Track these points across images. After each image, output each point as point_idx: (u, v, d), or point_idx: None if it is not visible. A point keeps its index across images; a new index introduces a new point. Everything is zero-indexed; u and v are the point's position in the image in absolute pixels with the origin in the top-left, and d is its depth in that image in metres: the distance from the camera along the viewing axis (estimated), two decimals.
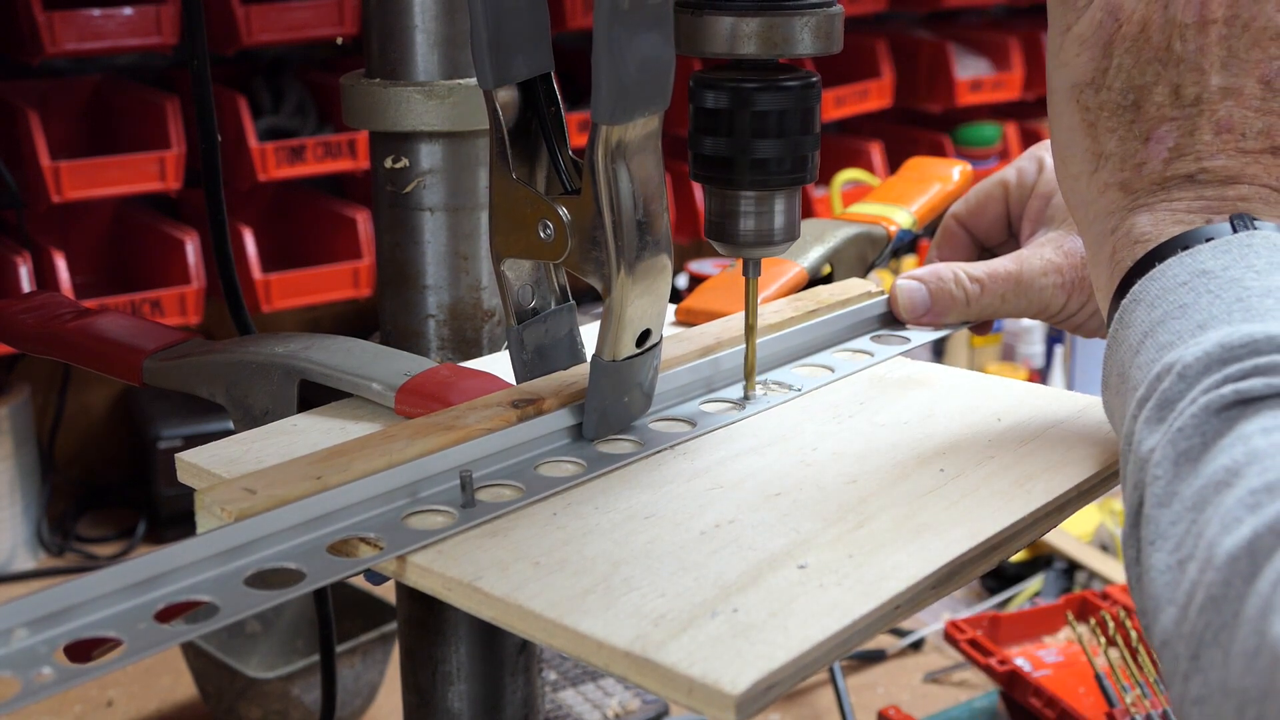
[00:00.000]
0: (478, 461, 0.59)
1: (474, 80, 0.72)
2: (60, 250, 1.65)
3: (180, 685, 1.44)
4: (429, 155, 0.74)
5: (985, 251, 0.86)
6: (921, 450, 0.64)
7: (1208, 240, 0.54)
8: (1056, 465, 0.62)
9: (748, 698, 0.45)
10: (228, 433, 0.66)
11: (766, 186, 0.65)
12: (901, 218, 0.92)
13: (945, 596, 0.55)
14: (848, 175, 1.97)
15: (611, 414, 0.64)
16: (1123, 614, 1.25)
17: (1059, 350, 2.05)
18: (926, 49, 2.33)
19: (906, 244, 0.98)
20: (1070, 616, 1.27)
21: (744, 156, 0.64)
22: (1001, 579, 1.57)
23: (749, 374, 0.69)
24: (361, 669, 1.31)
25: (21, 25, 1.60)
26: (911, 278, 0.78)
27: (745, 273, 0.68)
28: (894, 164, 2.07)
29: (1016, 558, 1.56)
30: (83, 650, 0.47)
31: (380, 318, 0.79)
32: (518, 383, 0.67)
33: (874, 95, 2.20)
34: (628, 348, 0.62)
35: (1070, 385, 2.01)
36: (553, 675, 1.40)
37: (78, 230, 1.84)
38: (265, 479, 0.55)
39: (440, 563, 0.53)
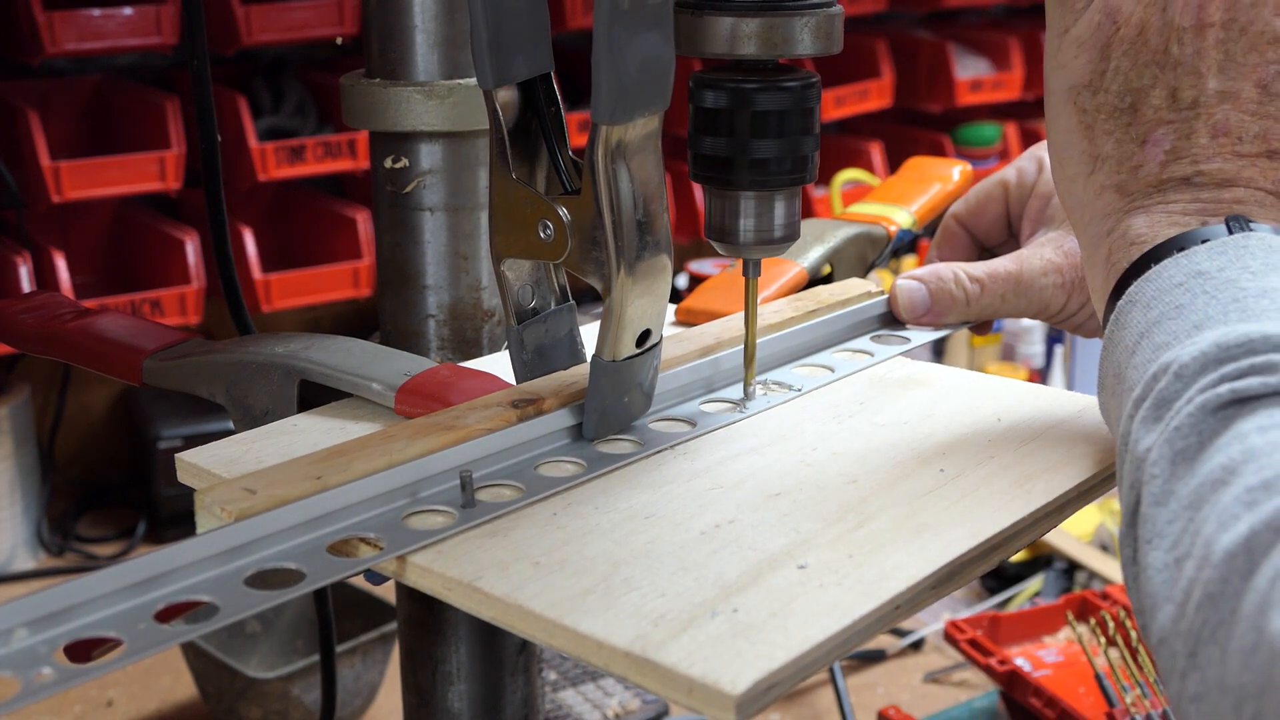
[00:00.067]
0: (478, 461, 0.59)
1: (474, 80, 0.72)
2: (60, 250, 1.65)
3: (180, 685, 1.44)
4: (429, 155, 0.74)
5: (985, 251, 0.86)
6: (921, 450, 0.64)
7: (1203, 242, 0.54)
8: (1056, 465, 0.62)
9: (748, 698, 0.45)
10: (228, 433, 0.66)
11: (766, 187, 0.65)
12: (901, 218, 0.92)
13: (945, 596, 0.55)
14: (848, 175, 1.97)
15: (611, 414, 0.64)
16: (1123, 614, 1.25)
17: (1059, 350, 2.05)
18: (926, 49, 2.33)
19: (906, 244, 0.98)
20: (1070, 616, 1.27)
21: (744, 157, 0.64)
22: (1001, 579, 1.57)
23: (749, 374, 0.69)
24: (361, 669, 1.31)
25: (21, 25, 1.60)
26: (911, 278, 0.78)
27: (745, 273, 0.68)
28: (894, 164, 2.07)
29: (1016, 558, 1.56)
30: (83, 650, 0.47)
31: (380, 318, 0.79)
32: (518, 383, 0.67)
33: (874, 95, 2.20)
34: (628, 348, 0.62)
35: (1070, 385, 2.01)
36: (553, 675, 1.40)
37: (78, 230, 1.84)
38: (265, 479, 0.55)
39: (440, 563, 0.53)
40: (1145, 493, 0.48)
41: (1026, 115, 2.46)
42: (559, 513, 0.57)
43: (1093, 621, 1.27)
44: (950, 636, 1.29)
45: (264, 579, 0.52)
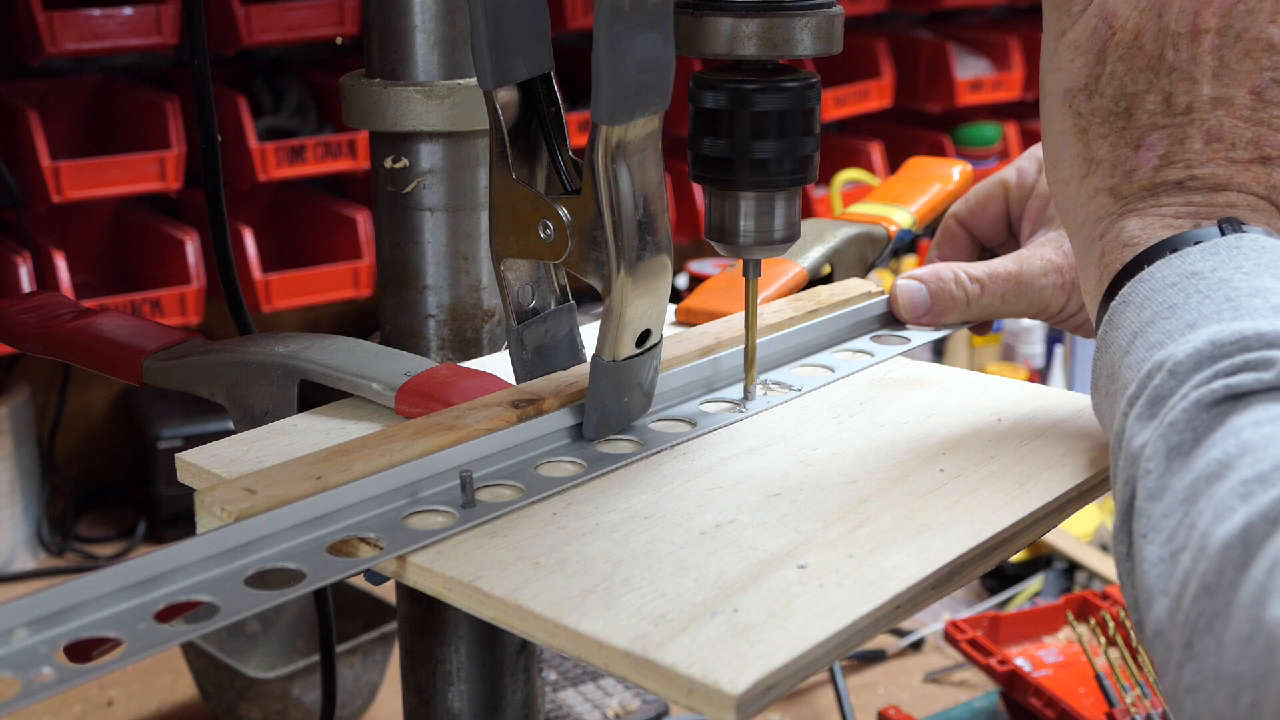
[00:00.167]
0: (478, 461, 0.59)
1: (474, 80, 0.72)
2: (60, 250, 1.65)
3: (180, 685, 1.44)
4: (429, 155, 0.74)
5: (985, 251, 0.86)
6: (921, 450, 0.64)
7: (1196, 243, 0.54)
8: (1056, 465, 0.62)
9: (748, 698, 0.45)
10: (228, 433, 0.66)
11: (766, 187, 0.65)
12: (901, 218, 0.92)
13: (945, 596, 0.55)
14: (848, 175, 1.97)
15: (611, 414, 0.64)
16: (1123, 614, 1.25)
17: (1059, 350, 2.05)
18: (926, 49, 2.33)
19: (906, 244, 0.98)
20: (1070, 616, 1.27)
21: (744, 157, 0.64)
22: (1001, 579, 1.57)
23: (749, 374, 0.69)
24: (361, 669, 1.31)
25: (21, 25, 1.60)
26: (911, 278, 0.79)
27: (745, 273, 0.68)
28: (894, 164, 2.07)
29: (1016, 558, 1.56)
30: (83, 650, 0.47)
31: (380, 318, 0.79)
32: (518, 383, 0.67)
33: (874, 95, 2.20)
34: (628, 348, 0.62)
35: (1070, 385, 2.01)
36: (553, 675, 1.40)
37: (78, 230, 1.84)
38: (265, 479, 0.55)
39: (440, 563, 0.53)
40: (1140, 488, 0.49)
41: (1026, 115, 2.46)
42: (559, 513, 0.57)
43: (1093, 621, 1.27)
44: (950, 636, 1.29)
45: (264, 579, 0.52)
